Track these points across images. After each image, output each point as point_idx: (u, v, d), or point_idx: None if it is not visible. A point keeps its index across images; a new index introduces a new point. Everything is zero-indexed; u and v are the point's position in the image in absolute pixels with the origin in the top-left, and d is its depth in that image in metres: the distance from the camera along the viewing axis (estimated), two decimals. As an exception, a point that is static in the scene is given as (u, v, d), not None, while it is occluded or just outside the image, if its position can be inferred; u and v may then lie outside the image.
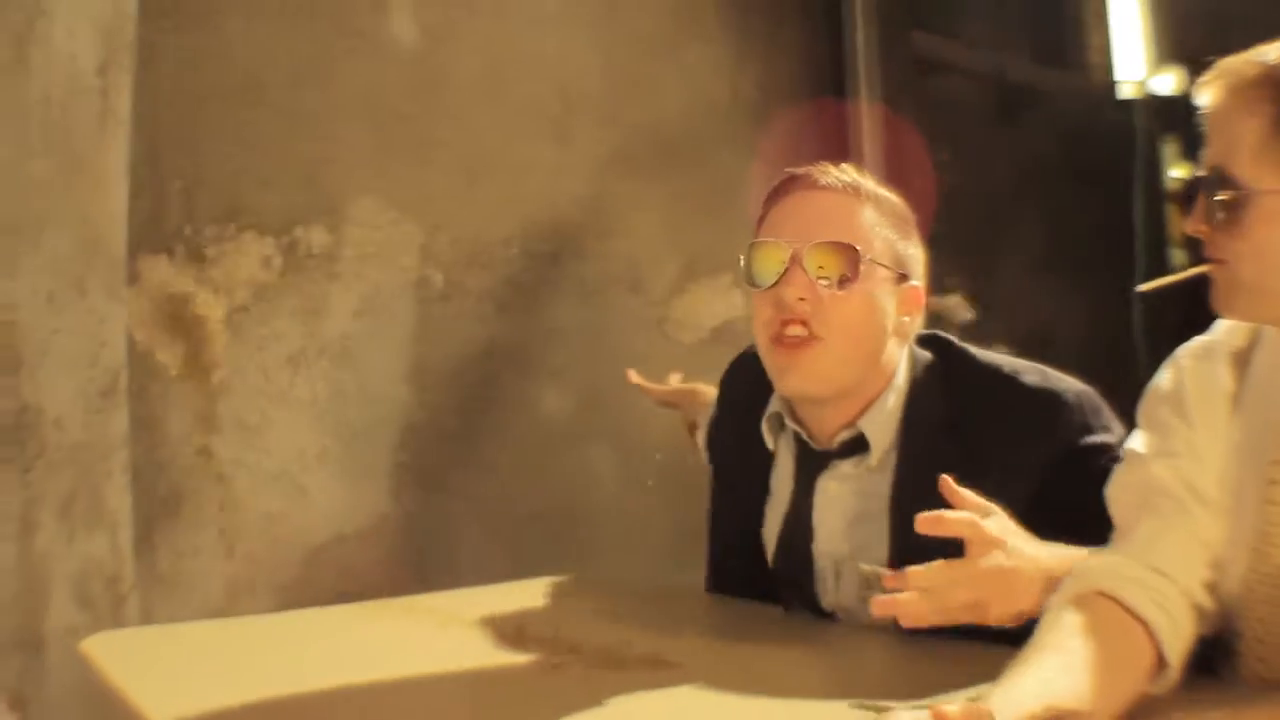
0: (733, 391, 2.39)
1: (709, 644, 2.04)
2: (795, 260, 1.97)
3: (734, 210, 3.73)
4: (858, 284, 1.96)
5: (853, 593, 2.10)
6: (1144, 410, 1.80)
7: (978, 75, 4.46)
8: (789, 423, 2.14)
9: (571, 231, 3.61)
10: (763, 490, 2.23)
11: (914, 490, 1.99)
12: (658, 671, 1.79)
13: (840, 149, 4.09)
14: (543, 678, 1.80)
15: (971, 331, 4.14)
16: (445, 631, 2.08)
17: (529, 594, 2.35)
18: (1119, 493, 1.76)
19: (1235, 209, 1.59)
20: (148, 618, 2.89)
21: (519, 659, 1.88)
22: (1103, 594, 1.59)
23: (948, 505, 1.86)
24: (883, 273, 2.00)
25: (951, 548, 1.86)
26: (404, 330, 3.32)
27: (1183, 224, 1.65)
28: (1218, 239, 1.61)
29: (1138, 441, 1.77)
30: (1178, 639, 1.57)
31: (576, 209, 3.62)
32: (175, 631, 2.38)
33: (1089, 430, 1.98)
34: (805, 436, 2.13)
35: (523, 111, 3.52)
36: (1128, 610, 1.56)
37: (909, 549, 1.93)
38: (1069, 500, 1.89)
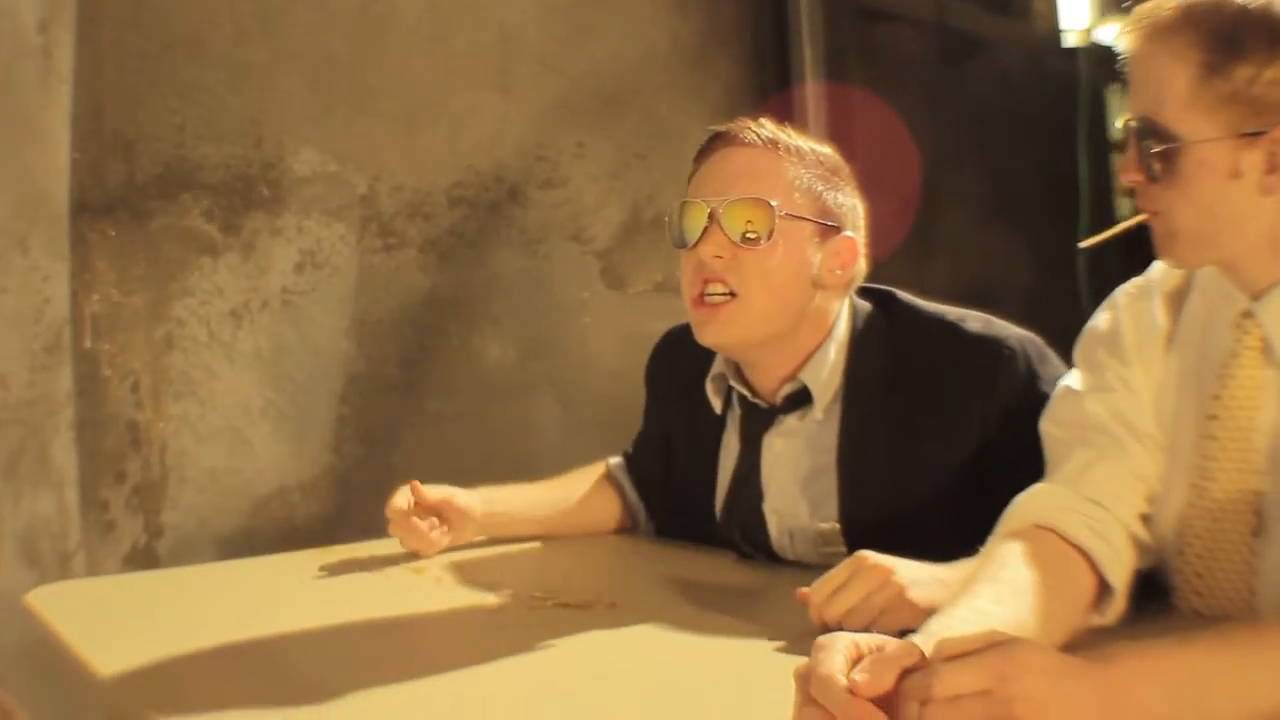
0: (670, 369, 2.45)
1: (650, 585, 2.09)
2: (713, 219, 2.03)
3: (676, 159, 3.84)
4: (776, 239, 2.01)
5: (808, 550, 2.15)
6: (1080, 350, 1.88)
7: (922, 23, 4.51)
8: (733, 382, 2.20)
9: (513, 180, 3.67)
10: (714, 456, 2.30)
11: (860, 442, 2.08)
12: (597, 612, 1.85)
13: (783, 98, 4.18)
14: (483, 620, 1.86)
15: (915, 281, 4.23)
16: (386, 578, 2.15)
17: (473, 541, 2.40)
18: (1053, 428, 1.84)
19: (1168, 159, 1.62)
20: (94, 573, 2.96)
21: (460, 603, 1.95)
22: (1039, 526, 1.67)
23: (894, 458, 2.03)
24: (806, 226, 2.05)
25: (899, 502, 2.02)
26: (346, 282, 3.38)
27: (1122, 172, 1.69)
28: (1152, 190, 1.65)
29: (1073, 379, 1.86)
30: (1119, 565, 1.66)
31: (518, 158, 3.68)
32: (119, 583, 2.45)
33: (1035, 378, 2.02)
34: (750, 396, 2.19)
35: (464, 60, 3.58)
36: (1065, 539, 1.64)
37: (858, 502, 2.07)
38: (1017, 449, 1.93)
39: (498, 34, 3.62)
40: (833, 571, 1.68)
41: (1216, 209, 1.63)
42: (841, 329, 2.14)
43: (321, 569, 2.24)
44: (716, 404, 2.25)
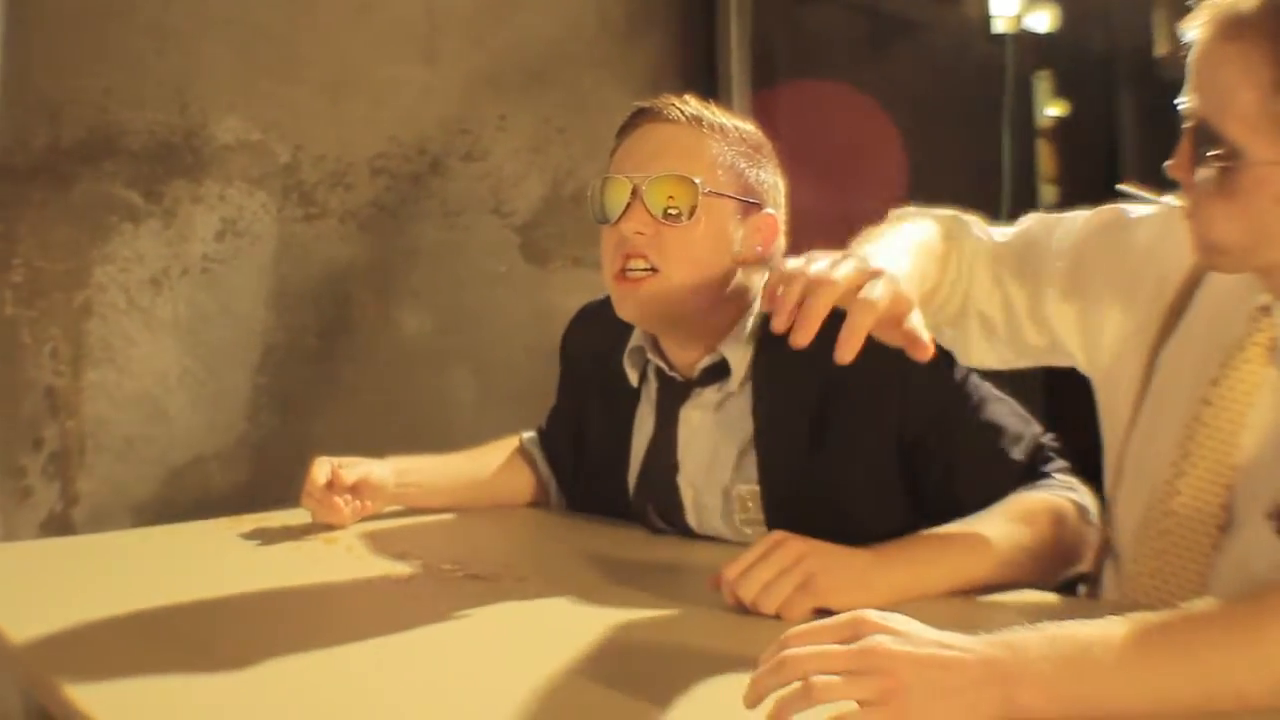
0: (585, 343, 2.50)
1: (560, 558, 2.16)
2: (636, 195, 2.07)
3: (598, 134, 3.91)
4: (698, 216, 2.06)
5: (724, 523, 2.21)
6: (1097, 216, 1.96)
7: (851, 5, 4.59)
8: (650, 355, 2.26)
9: (435, 152, 3.75)
10: (628, 430, 2.35)
11: (775, 413, 2.14)
12: (505, 585, 1.91)
13: (708, 77, 4.27)
14: (392, 590, 1.91)
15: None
16: (298, 547, 2.20)
17: (383, 511, 2.47)
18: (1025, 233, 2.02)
19: (1224, 173, 1.60)
20: (10, 540, 3.01)
21: (370, 573, 2.01)
22: None
23: (809, 431, 2.08)
24: (728, 203, 2.10)
25: (815, 475, 2.07)
26: (266, 251, 3.44)
27: (1171, 167, 1.66)
28: (1199, 195, 1.63)
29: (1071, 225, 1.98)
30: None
31: (441, 130, 3.76)
32: (34, 549, 2.49)
33: (953, 368, 2.08)
34: (667, 369, 2.25)
35: (390, 31, 3.65)
36: None
37: (775, 475, 2.13)
38: (934, 422, 2.03)
39: (424, 6, 3.69)
40: (747, 550, 1.74)
41: (1265, 227, 1.62)
42: (760, 304, 2.19)
43: (235, 538, 2.29)
44: (633, 377, 2.31)
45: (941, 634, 1.25)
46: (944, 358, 2.02)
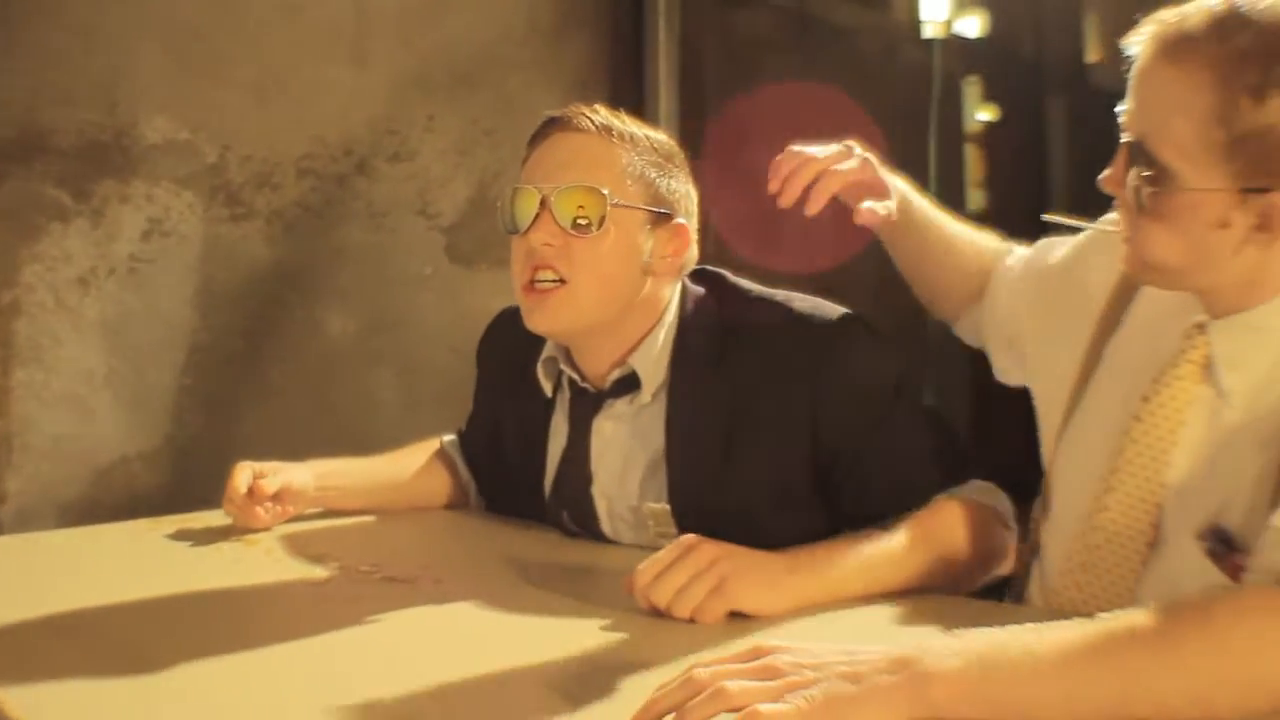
0: (500, 351, 2.55)
1: (477, 561, 2.22)
2: (545, 206, 2.11)
3: (525, 137, 3.91)
4: (607, 227, 2.10)
5: (638, 533, 2.27)
6: (1041, 260, 2.11)
7: (781, 8, 4.65)
8: (563, 366, 2.31)
9: (362, 153, 3.78)
10: (543, 438, 2.39)
11: (686, 427, 2.19)
12: (422, 587, 1.98)
13: (636, 79, 4.35)
14: (309, 592, 1.97)
15: (762, 268, 4.38)
16: (218, 549, 2.26)
17: (305, 513, 2.53)
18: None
19: (1156, 196, 1.65)
20: None
21: (288, 575, 2.07)
22: None
23: (720, 442, 2.14)
24: (638, 214, 2.15)
25: (727, 486, 2.14)
26: (192, 251, 3.46)
27: (1105, 180, 1.74)
28: (1132, 214, 1.70)
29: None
30: None
31: (368, 131, 3.80)
32: None
33: (863, 358, 2.14)
34: (580, 380, 2.29)
35: (318, 31, 3.68)
36: None
37: (686, 486, 2.19)
38: (850, 431, 2.08)
39: (353, 7, 3.72)
40: (659, 553, 1.79)
41: (1196, 251, 1.67)
42: (672, 314, 2.24)
43: (157, 539, 2.34)
44: (547, 387, 2.35)
45: (847, 645, 1.30)
46: (862, 369, 2.11)
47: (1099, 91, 4.08)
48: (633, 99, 4.39)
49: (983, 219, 2.43)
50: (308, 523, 2.46)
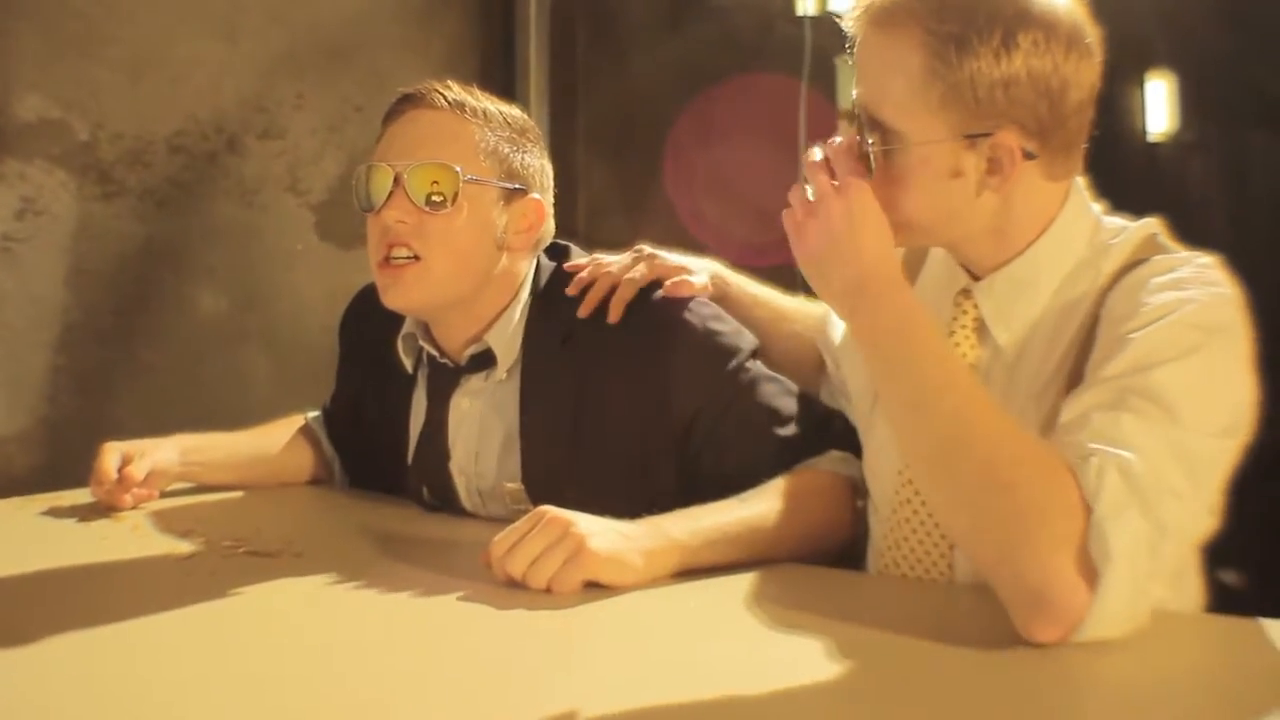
0: (361, 328, 2.64)
1: (338, 535, 2.29)
2: (398, 183, 2.19)
3: (398, 114, 4.10)
4: (460, 203, 2.20)
5: (498, 508, 2.37)
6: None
7: None
8: (422, 342, 2.40)
9: (232, 130, 3.91)
10: (405, 414, 2.51)
11: (538, 403, 2.30)
12: (284, 561, 2.02)
13: (506, 57, 4.54)
14: (172, 567, 2.01)
15: (631, 242, 4.48)
16: (86, 526, 2.33)
17: (173, 489, 2.61)
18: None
19: (889, 155, 1.75)
20: None
21: (153, 550, 2.11)
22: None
23: (572, 417, 2.25)
24: (491, 189, 2.25)
25: (580, 461, 2.25)
26: (65, 230, 3.55)
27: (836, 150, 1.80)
28: (875, 180, 1.76)
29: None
30: None
31: (239, 108, 3.92)
32: None
33: (711, 331, 2.23)
34: (438, 355, 2.40)
35: (190, 8, 3.79)
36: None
37: (540, 462, 2.30)
38: (699, 404, 2.18)
39: None
40: (513, 526, 1.83)
41: (937, 205, 1.78)
42: (527, 290, 2.35)
43: (28, 517, 2.43)
44: (407, 363, 2.46)
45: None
46: (712, 339, 2.23)
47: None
48: (503, 76, 4.56)
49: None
50: (175, 499, 2.55)
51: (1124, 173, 3.56)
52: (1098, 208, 1.90)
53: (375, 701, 1.38)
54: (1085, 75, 1.76)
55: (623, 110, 4.45)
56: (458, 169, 2.19)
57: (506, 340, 2.32)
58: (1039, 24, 1.71)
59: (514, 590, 1.79)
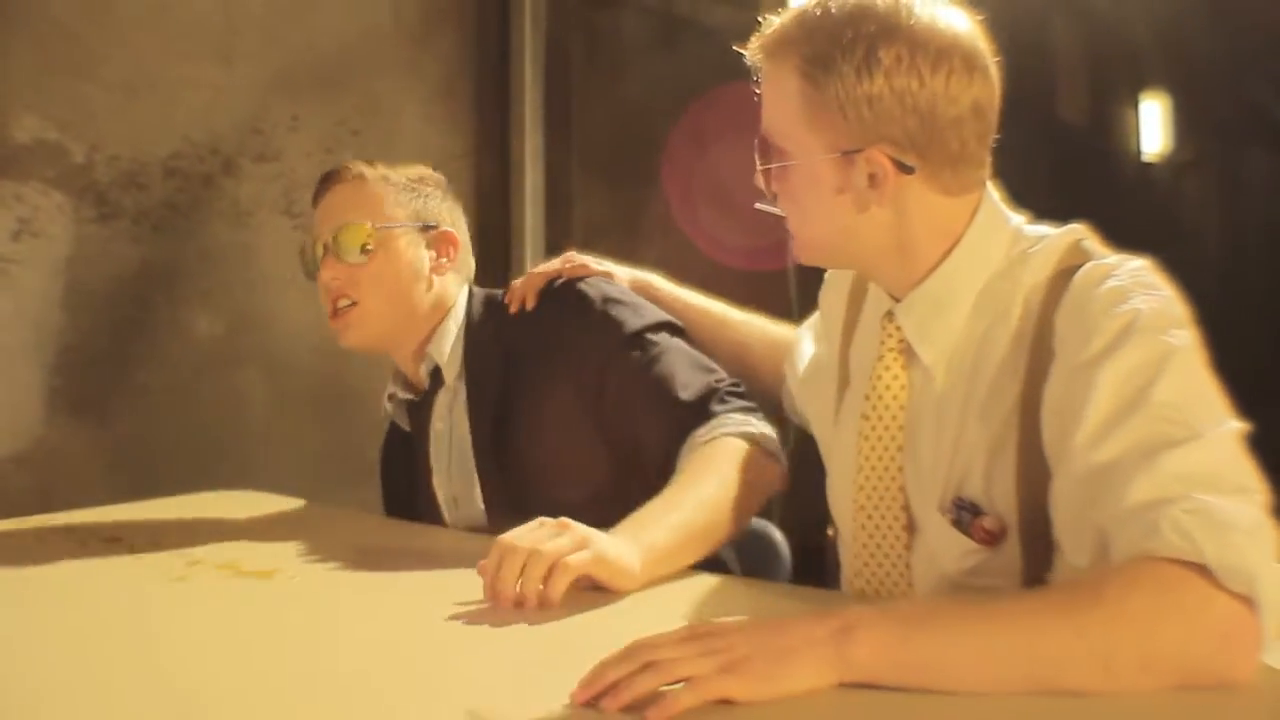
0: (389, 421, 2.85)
1: (331, 553, 2.28)
2: (327, 249, 2.57)
3: (391, 135, 4.25)
4: (377, 250, 2.55)
5: (472, 513, 2.56)
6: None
7: (645, 9, 4.81)
8: (402, 395, 2.72)
9: (228, 152, 3.93)
10: (417, 461, 2.71)
11: (482, 415, 2.54)
12: (275, 582, 2.04)
13: (501, 79, 4.55)
14: (167, 587, 2.02)
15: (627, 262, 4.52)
16: (82, 547, 2.36)
17: (169, 511, 2.70)
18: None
19: (780, 176, 1.85)
20: None
21: (150, 573, 2.13)
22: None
23: (505, 415, 2.47)
24: (404, 232, 2.58)
25: (518, 451, 2.46)
26: (60, 252, 3.57)
27: (757, 178, 1.91)
28: (778, 202, 1.89)
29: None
30: None
31: (234, 130, 3.95)
32: None
33: (608, 301, 2.46)
34: (414, 396, 2.70)
35: (186, 30, 3.81)
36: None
37: (488, 475, 2.52)
38: (610, 374, 2.39)
39: (221, 6, 3.87)
40: (482, 563, 1.85)
41: (831, 221, 1.85)
42: (461, 309, 2.64)
43: (18, 539, 2.46)
44: (403, 423, 2.76)
45: (777, 619, 1.43)
46: (611, 311, 2.44)
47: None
48: (497, 98, 4.58)
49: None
50: (170, 518, 2.62)
51: (1119, 193, 3.60)
52: (1018, 219, 1.91)
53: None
54: (960, 91, 1.78)
55: (617, 130, 4.46)
56: (369, 224, 2.55)
57: (448, 352, 2.60)
58: (903, 41, 1.75)
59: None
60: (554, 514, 1.91)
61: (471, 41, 4.52)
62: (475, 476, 2.53)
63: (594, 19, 4.78)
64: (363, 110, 4.21)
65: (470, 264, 2.73)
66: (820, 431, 2.19)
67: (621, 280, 2.59)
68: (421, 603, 1.88)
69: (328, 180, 2.65)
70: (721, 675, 1.34)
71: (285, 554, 2.26)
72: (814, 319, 2.34)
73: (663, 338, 2.42)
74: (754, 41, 1.89)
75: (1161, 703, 1.33)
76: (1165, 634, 1.35)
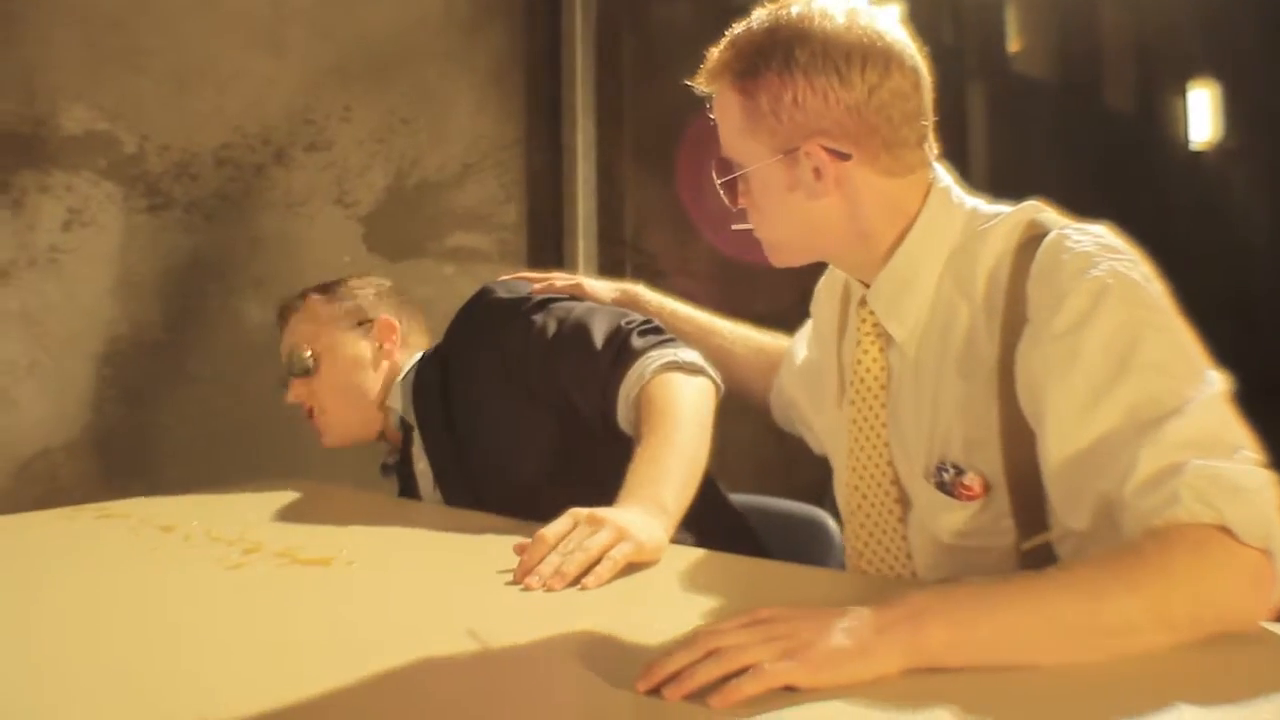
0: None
1: (387, 542, 2.32)
2: (290, 372, 2.97)
3: (442, 125, 4.26)
4: (321, 366, 2.95)
5: None
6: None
7: None
8: (389, 460, 3.02)
9: (279, 142, 3.95)
10: None
11: (436, 447, 2.77)
12: (333, 569, 2.06)
13: (553, 70, 4.54)
14: (225, 575, 2.04)
15: (679, 260, 4.54)
16: (136, 535, 2.39)
17: (221, 502, 2.73)
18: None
19: (735, 186, 2.00)
20: None
21: (203, 558, 2.17)
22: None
23: (454, 421, 2.69)
24: (340, 338, 2.96)
25: (471, 448, 2.65)
26: (112, 241, 3.59)
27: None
28: (745, 213, 2.03)
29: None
30: None
31: (285, 120, 3.97)
32: None
33: (510, 286, 2.72)
34: (397, 455, 2.97)
35: (235, 20, 3.84)
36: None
37: (444, 464, 2.75)
38: (532, 340, 2.54)
39: None
40: (521, 558, 1.92)
41: (791, 218, 1.98)
42: (410, 367, 2.94)
43: (70, 527, 2.49)
44: (393, 489, 3.00)
45: (841, 608, 1.43)
46: (514, 292, 2.68)
47: (1021, 78, 4.27)
48: (549, 88, 4.58)
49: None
50: (224, 508, 2.64)
51: (1167, 181, 3.59)
52: (974, 199, 2.00)
53: (442, 708, 1.40)
54: (878, 81, 1.88)
55: (670, 120, 4.45)
56: (307, 352, 2.96)
57: (401, 398, 2.90)
58: (816, 41, 1.88)
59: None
60: (517, 498, 2.28)
61: (522, 30, 4.52)
62: (435, 482, 2.78)
63: (646, 7, 4.79)
64: (414, 99, 4.22)
65: (421, 334, 3.05)
66: (821, 429, 2.31)
67: (597, 293, 2.74)
68: (479, 589, 1.89)
69: (280, 315, 3.06)
70: (785, 662, 1.34)
71: (342, 541, 2.27)
72: (806, 328, 2.44)
73: (572, 304, 2.61)
74: (699, 74, 2.03)
75: (1172, 667, 1.39)
76: (1208, 588, 1.45)
